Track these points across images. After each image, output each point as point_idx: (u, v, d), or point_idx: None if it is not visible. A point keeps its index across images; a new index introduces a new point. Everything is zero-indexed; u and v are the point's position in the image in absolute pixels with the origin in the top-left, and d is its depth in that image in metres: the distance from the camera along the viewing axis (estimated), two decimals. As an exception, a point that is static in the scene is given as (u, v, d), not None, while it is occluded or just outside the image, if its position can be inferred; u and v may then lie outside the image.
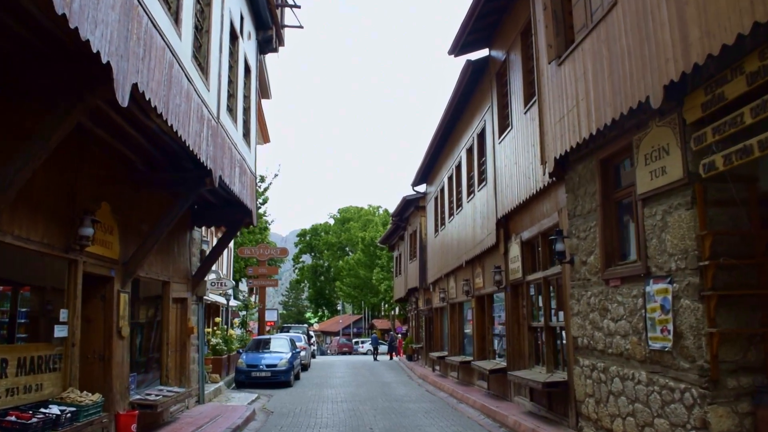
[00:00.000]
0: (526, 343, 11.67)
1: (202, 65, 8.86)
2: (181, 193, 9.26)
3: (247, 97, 12.84)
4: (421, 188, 24.84)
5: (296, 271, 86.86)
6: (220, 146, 9.70)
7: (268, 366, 17.87)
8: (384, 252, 58.13)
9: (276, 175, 42.93)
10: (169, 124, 6.90)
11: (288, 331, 34.57)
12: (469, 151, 16.09)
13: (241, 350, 19.31)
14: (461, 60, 14.22)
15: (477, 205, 14.91)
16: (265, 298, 37.12)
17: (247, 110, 12.79)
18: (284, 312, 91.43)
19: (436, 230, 21.48)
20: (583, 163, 8.38)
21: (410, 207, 27.86)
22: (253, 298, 36.37)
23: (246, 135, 12.60)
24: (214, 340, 18.64)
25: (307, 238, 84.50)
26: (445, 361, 19.29)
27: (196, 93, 8.19)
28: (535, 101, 10.24)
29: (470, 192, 15.92)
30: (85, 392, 7.08)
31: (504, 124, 12.69)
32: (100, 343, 8.45)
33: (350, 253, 72.28)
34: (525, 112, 10.95)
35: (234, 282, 18.25)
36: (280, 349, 19.38)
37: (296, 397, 15.59)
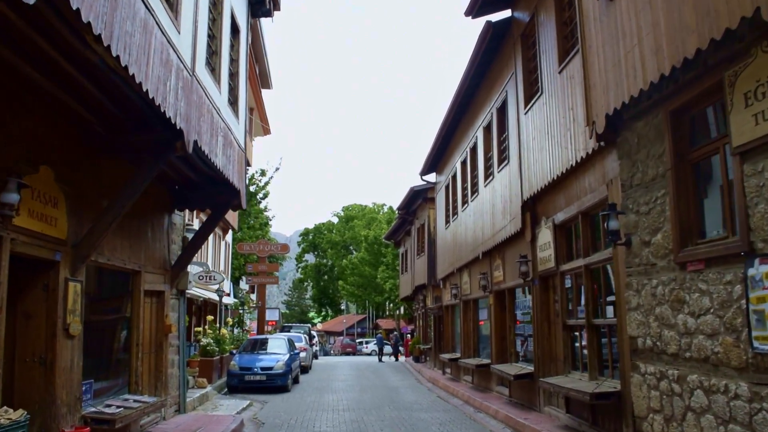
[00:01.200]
0: (559, 344, 9.96)
1: (171, 0, 7.20)
2: (147, 160, 7.59)
3: (235, 61, 11.18)
4: (431, 178, 23.13)
5: (299, 270, 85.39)
6: (196, 106, 8.04)
7: (263, 369, 16.20)
8: (389, 249, 56.50)
9: (277, 169, 41.02)
10: (115, 55, 5.24)
11: (289, 331, 32.89)
12: (487, 129, 14.39)
13: (234, 351, 17.64)
14: (471, 42, 12.59)
15: (497, 188, 13.21)
16: (265, 297, 35.54)
17: (234, 76, 11.13)
18: (287, 311, 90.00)
19: (447, 221, 19.78)
20: (645, 118, 6.69)
21: (418, 198, 26.16)
22: (253, 297, 34.77)
23: (233, 104, 10.94)
24: (204, 340, 16.98)
25: (311, 236, 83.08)
26: (457, 363, 17.59)
27: (160, 29, 6.53)
28: (574, 54, 8.57)
29: (488, 175, 14.22)
30: (4, 408, 5.42)
31: (531, 91, 11.00)
32: (41, 343, 6.78)
33: (354, 252, 70.67)
34: (560, 72, 9.25)
35: (224, 276, 16.56)
36: (277, 350, 17.70)
37: (293, 405, 13.92)
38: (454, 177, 18.60)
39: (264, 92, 39.26)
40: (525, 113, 11.09)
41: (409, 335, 39.05)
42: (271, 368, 16.24)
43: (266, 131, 38.51)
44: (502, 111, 12.98)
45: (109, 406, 7.80)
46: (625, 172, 7.15)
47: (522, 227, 11.28)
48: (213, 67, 9.45)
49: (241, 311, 25.86)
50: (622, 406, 7.30)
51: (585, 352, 8.90)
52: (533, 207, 11.03)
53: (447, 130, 18.46)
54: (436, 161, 21.57)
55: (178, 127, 7.13)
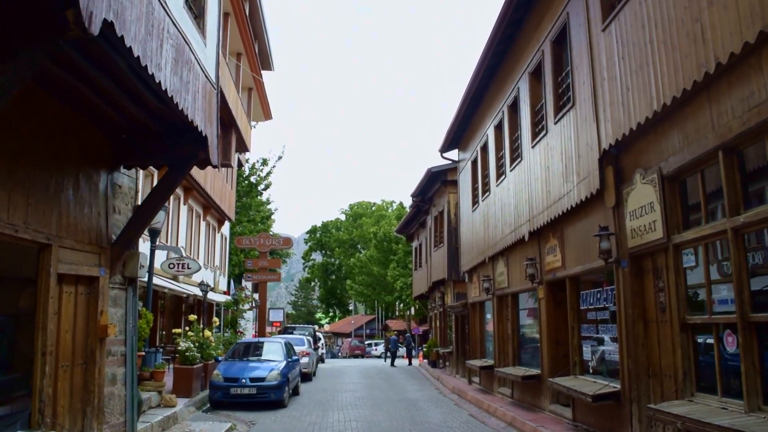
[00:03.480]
0: (666, 352, 6.80)
1: None
2: (17, 46, 4.51)
3: (200, -40, 8.11)
4: (452, 155, 19.96)
5: (306, 269, 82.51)
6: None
7: (253, 380, 13.10)
8: (400, 246, 53.45)
9: (280, 157, 38.09)
10: None
11: (291, 332, 29.78)
12: (535, 73, 11.25)
13: (220, 358, 14.58)
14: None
15: (553, 145, 10.08)
16: (266, 296, 32.54)
17: (199, -20, 8.05)
18: (294, 312, 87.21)
19: (475, 202, 16.63)
20: None
21: (436, 182, 23.02)
22: (256, 296, 31.77)
23: (197, 18, 7.86)
24: (183, 345, 13.96)
25: (318, 235, 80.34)
26: (491, 373, 14.45)
27: None
28: None
29: (538, 132, 11.08)
30: None
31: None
32: None
33: (362, 251, 67.66)
34: (677, -59, 6.12)
35: (200, 264, 13.53)
36: (271, 356, 14.61)
37: (287, 428, 10.84)
38: (485, 147, 15.46)
39: (265, 75, 36.21)
40: (603, 29, 7.95)
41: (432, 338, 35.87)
42: (262, 379, 13.15)
43: (267, 116, 35.57)
44: (561, 42, 9.84)
45: (-34, 458, 4.74)
46: None
47: (600, 188, 8.13)
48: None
49: (234, 310, 22.73)
50: None
51: (721, 365, 5.76)
52: (617, 159, 7.89)
53: (474, 94, 15.33)
54: (458, 135, 18.41)
55: (61, -22, 4.05)
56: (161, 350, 11.23)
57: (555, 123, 9.96)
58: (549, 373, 10.52)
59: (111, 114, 7.30)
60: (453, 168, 21.32)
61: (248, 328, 34.65)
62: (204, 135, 7.70)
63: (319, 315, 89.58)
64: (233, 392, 12.92)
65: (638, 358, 7.32)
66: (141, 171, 9.17)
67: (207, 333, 14.64)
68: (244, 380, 13.03)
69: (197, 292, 21.48)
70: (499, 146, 14.08)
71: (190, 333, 14.64)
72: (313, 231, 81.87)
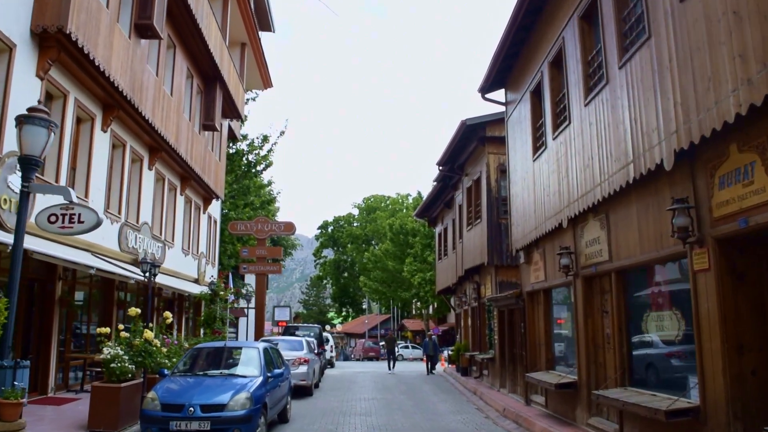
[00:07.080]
0: None
1: None
2: None
3: None
4: (495, 96, 15.03)
5: (317, 266, 77.88)
6: None
7: (206, 408, 8.24)
8: (417, 239, 48.53)
9: (282, 133, 33.24)
10: None
11: (294, 333, 24.91)
12: None
13: (165, 371, 9.75)
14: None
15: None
16: (265, 289, 27.87)
17: None
18: (305, 312, 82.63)
19: (539, 147, 11.69)
20: None
21: (471, 140, 18.04)
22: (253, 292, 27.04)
23: None
24: (108, 352, 9.24)
25: (330, 230, 75.90)
26: (574, 393, 9.53)
27: None
28: None
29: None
30: None
31: None
32: None
33: (376, 246, 62.91)
34: None
35: (99, 215, 8.66)
36: (241, 369, 9.73)
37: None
38: (558, 60, 10.53)
39: (264, 38, 31.32)
40: None
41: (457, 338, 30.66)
42: (221, 407, 8.27)
43: (266, 84, 30.83)
44: None
45: None
46: None
47: None
48: None
49: (210, 306, 17.91)
50: None
51: None
52: None
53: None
54: (507, 63, 13.48)
55: None
56: (23, 363, 6.41)
57: None
58: (726, 404, 5.61)
59: None
60: (494, 120, 16.50)
61: (245, 329, 29.97)
62: None
63: (331, 314, 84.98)
64: (174, 428, 8.08)
65: None
66: None
67: (147, 334, 9.83)
68: (192, 409, 8.17)
69: (171, 283, 16.81)
70: (587, 45, 9.16)
71: (124, 334, 9.89)
72: (324, 226, 77.45)
